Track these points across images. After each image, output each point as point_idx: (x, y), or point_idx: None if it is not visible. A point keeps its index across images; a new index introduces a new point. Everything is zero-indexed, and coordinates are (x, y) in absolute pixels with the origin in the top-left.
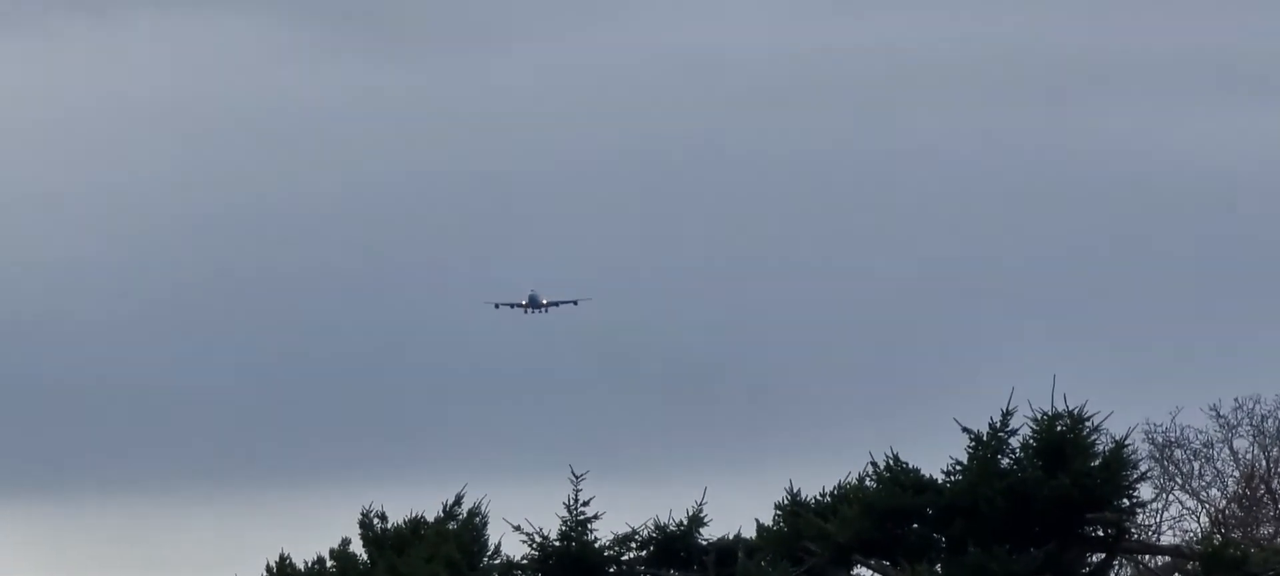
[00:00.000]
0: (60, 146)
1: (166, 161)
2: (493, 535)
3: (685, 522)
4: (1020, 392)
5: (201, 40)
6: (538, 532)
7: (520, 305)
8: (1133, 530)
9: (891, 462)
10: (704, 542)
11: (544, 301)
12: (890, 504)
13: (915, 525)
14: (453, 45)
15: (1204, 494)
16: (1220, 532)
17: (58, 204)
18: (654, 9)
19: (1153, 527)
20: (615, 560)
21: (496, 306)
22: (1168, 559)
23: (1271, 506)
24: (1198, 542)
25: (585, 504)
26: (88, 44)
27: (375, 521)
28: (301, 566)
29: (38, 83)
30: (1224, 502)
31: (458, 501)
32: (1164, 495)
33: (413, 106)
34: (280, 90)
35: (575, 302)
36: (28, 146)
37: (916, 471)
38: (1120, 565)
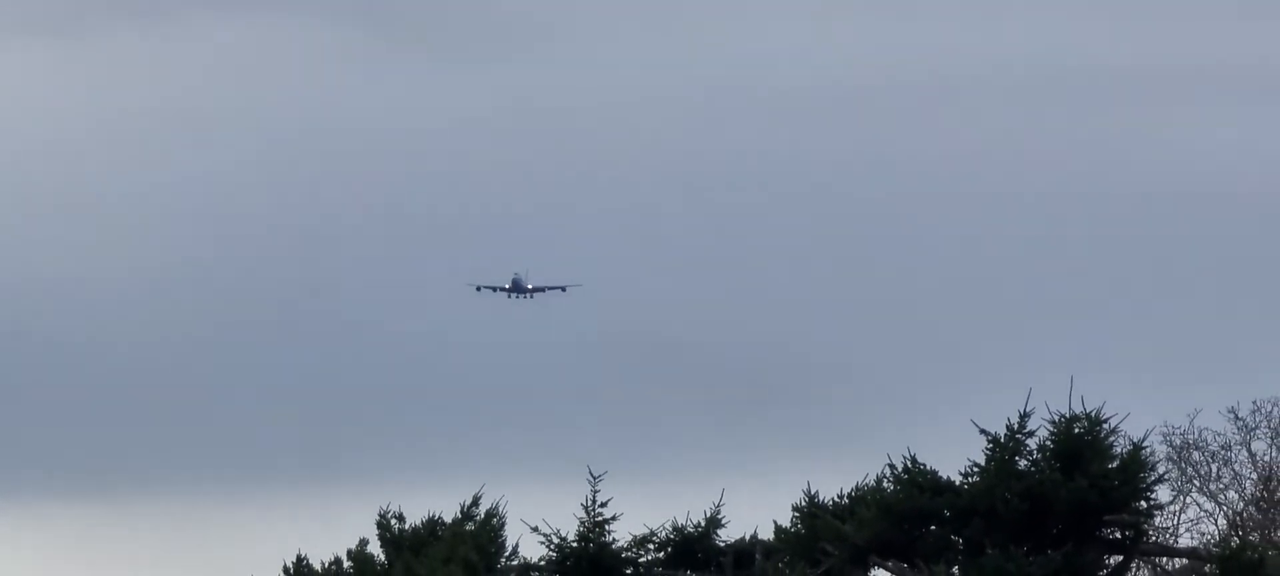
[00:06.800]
0: (101, 150)
1: (187, 165)
2: (510, 536)
3: (703, 524)
4: (1037, 394)
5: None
6: (555, 533)
7: (503, 289)
8: (1150, 532)
9: (909, 464)
10: (721, 544)
11: (529, 286)
12: (908, 505)
13: (933, 526)
14: (478, 51)
15: (1222, 496)
16: (1238, 535)
17: (93, 209)
18: (666, 10)
19: (1170, 530)
20: (633, 561)
21: (478, 289)
22: (1185, 561)
23: None
24: (1216, 545)
25: (603, 505)
26: (129, 48)
27: (393, 522)
28: (318, 567)
29: (80, 87)
30: (1242, 505)
31: (475, 502)
32: (1181, 497)
33: (428, 111)
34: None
35: (563, 288)
36: (70, 152)
37: (934, 473)
38: (1137, 567)
